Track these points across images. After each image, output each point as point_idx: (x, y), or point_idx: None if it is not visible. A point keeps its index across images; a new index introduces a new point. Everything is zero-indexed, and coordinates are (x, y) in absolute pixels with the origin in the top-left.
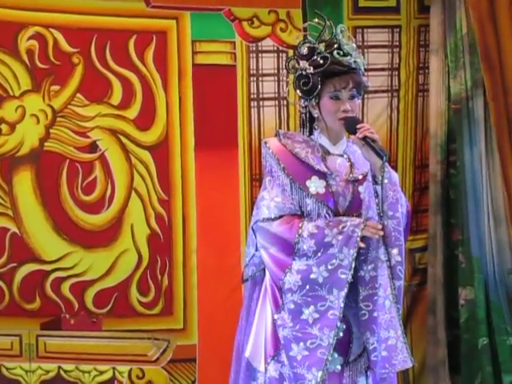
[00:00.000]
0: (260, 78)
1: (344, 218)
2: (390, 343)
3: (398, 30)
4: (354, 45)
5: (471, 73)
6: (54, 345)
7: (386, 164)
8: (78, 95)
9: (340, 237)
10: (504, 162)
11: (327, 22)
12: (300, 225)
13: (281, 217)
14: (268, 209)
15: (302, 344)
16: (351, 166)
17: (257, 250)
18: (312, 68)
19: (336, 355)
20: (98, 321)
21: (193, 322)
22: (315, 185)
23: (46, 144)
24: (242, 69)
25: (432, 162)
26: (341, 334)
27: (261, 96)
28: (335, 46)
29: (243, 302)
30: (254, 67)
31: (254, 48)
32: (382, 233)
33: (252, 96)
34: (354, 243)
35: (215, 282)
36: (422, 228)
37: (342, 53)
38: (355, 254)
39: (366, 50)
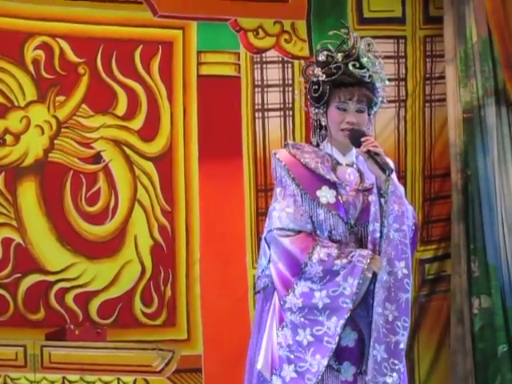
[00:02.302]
0: (265, 89)
1: (355, 250)
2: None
3: (403, 40)
4: (378, 60)
5: (482, 81)
6: (58, 355)
7: (391, 177)
8: (83, 106)
9: (349, 266)
10: None
11: (351, 33)
12: (312, 248)
13: (294, 230)
14: (279, 219)
15: (292, 366)
16: (361, 175)
17: (269, 261)
18: (324, 76)
19: (349, 364)
20: (102, 331)
21: (197, 332)
22: (325, 194)
23: (50, 155)
24: (246, 80)
25: (453, 171)
26: (351, 344)
27: (265, 107)
28: (353, 57)
29: (255, 316)
30: (259, 78)
31: (259, 59)
32: (379, 272)
33: (256, 107)
34: (358, 273)
35: (220, 293)
36: (433, 239)
37: (357, 65)
38: (359, 285)
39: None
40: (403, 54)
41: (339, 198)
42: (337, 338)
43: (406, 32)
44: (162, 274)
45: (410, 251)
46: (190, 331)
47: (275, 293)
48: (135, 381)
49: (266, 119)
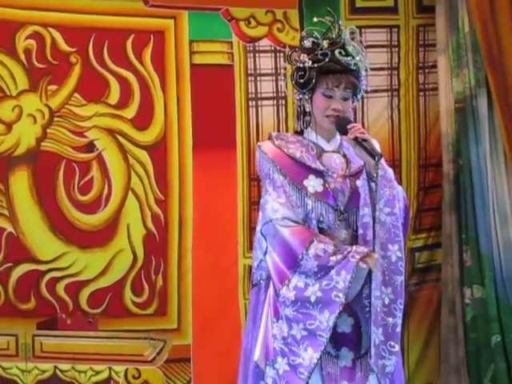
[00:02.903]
0: (258, 78)
1: (351, 247)
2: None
3: (396, 29)
4: (361, 48)
5: (474, 71)
6: (50, 345)
7: (381, 161)
8: (76, 95)
9: (343, 262)
10: None
11: (336, 20)
12: (309, 242)
13: (291, 220)
14: (273, 210)
15: (285, 359)
16: (347, 161)
17: (266, 253)
18: (310, 62)
19: (347, 350)
20: (94, 321)
21: (187, 322)
22: (313, 184)
23: (42, 144)
24: (239, 69)
25: (445, 161)
26: (348, 330)
27: (259, 96)
28: (338, 44)
29: (250, 307)
30: (252, 67)
31: (251, 48)
32: (375, 270)
33: (250, 96)
34: (351, 268)
35: (211, 283)
36: (423, 227)
37: (343, 53)
38: (352, 279)
39: (364, 50)
40: (396, 43)
41: (327, 185)
42: (329, 332)
43: (399, 21)
44: (154, 263)
45: (402, 234)
46: (181, 321)
47: (271, 284)
48: (127, 370)
49: (260, 108)
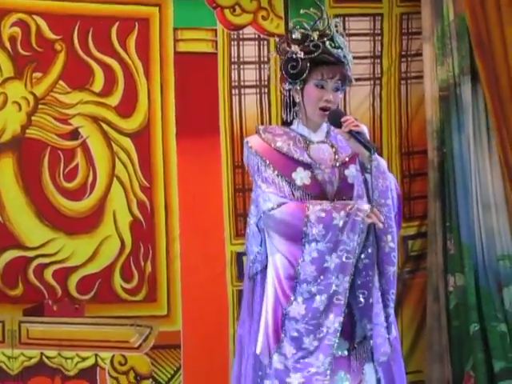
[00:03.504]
0: (241, 66)
1: (351, 203)
2: (382, 332)
3: (379, 18)
4: (345, 40)
5: (458, 59)
6: (36, 331)
7: (374, 152)
8: (60, 82)
9: (347, 219)
10: (502, 143)
11: (324, 12)
12: (307, 209)
13: (283, 203)
14: (264, 201)
15: (311, 336)
16: (335, 151)
17: (260, 245)
18: (303, 53)
19: (342, 340)
20: (80, 307)
21: (177, 308)
22: (301, 176)
23: (27, 131)
24: (223, 56)
25: (429, 149)
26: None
27: (242, 84)
28: (328, 36)
29: (244, 297)
30: (236, 55)
31: (236, 36)
32: (381, 225)
33: (233, 84)
34: (357, 227)
35: (199, 268)
36: (415, 215)
37: (333, 44)
38: (359, 239)
39: (347, 38)
40: (379, 32)
41: (315, 177)
42: (346, 295)
43: (383, 9)
44: (142, 249)
45: (395, 225)
46: (170, 307)
47: (272, 275)
48: (113, 357)
49: (243, 96)
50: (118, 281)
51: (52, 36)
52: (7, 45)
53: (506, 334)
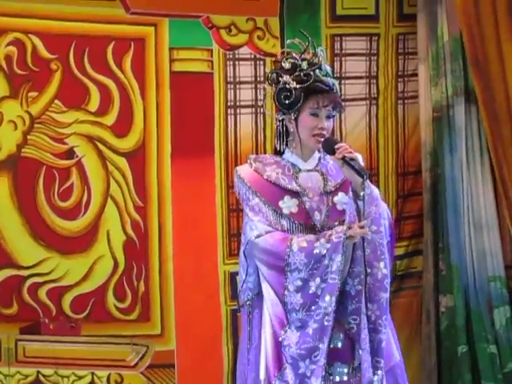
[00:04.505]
0: (237, 86)
1: (330, 230)
2: (367, 357)
3: (376, 38)
4: (330, 69)
5: (452, 81)
6: (33, 349)
7: (367, 180)
8: (56, 101)
9: (328, 245)
10: (498, 162)
11: (309, 41)
12: (290, 240)
13: (268, 232)
14: (251, 230)
15: (307, 361)
16: (324, 179)
17: (247, 275)
18: (295, 83)
19: (339, 364)
20: (76, 326)
21: (170, 327)
22: (287, 205)
23: (23, 150)
24: (219, 76)
25: (423, 170)
26: (339, 344)
27: (238, 104)
28: (317, 65)
29: (242, 331)
30: (231, 75)
31: (231, 56)
32: (367, 230)
33: (229, 103)
34: (340, 248)
35: (192, 288)
36: (404, 235)
37: (323, 72)
38: (342, 259)
39: (343, 58)
40: (375, 52)
41: (302, 205)
42: (333, 315)
43: (379, 29)
44: (135, 269)
45: (388, 252)
46: (164, 326)
47: (263, 302)
48: (109, 375)
49: (238, 116)
50: (111, 300)
51: (48, 55)
52: (3, 64)
53: (496, 355)
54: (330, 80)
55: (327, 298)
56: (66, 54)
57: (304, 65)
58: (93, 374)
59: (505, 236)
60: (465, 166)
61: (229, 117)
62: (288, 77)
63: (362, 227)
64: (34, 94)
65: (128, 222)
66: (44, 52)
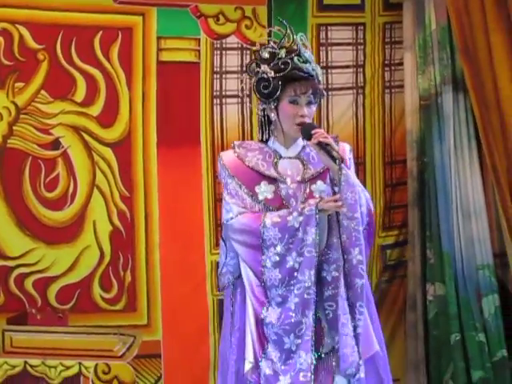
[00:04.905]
0: (223, 76)
1: (303, 203)
2: (349, 341)
3: (362, 27)
4: (312, 54)
5: (440, 69)
6: (20, 340)
7: (343, 166)
8: (42, 92)
9: (301, 218)
10: (489, 149)
11: (288, 29)
12: (263, 216)
13: (241, 212)
14: (226, 212)
15: (292, 335)
16: (304, 167)
17: (226, 257)
18: (273, 72)
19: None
20: (64, 316)
21: (157, 317)
22: (263, 190)
23: (9, 141)
24: (205, 66)
25: (409, 158)
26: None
27: (224, 93)
28: (295, 52)
29: (225, 312)
30: (218, 64)
31: (219, 45)
32: (340, 204)
33: (215, 93)
34: (313, 221)
35: (179, 278)
36: (394, 224)
37: (301, 59)
38: (316, 231)
39: (330, 48)
40: (362, 41)
41: (278, 192)
42: (314, 288)
43: (365, 19)
44: (122, 259)
45: (364, 238)
46: (150, 316)
47: (245, 284)
48: (96, 365)
49: (224, 106)
50: (97, 290)
51: (35, 45)
52: None
53: (485, 344)
54: (309, 66)
55: (306, 271)
56: (53, 44)
57: (282, 53)
58: (80, 364)
59: (492, 224)
60: (453, 153)
61: (215, 106)
62: (266, 66)
63: (335, 201)
64: (20, 84)
65: (114, 212)
66: (31, 42)
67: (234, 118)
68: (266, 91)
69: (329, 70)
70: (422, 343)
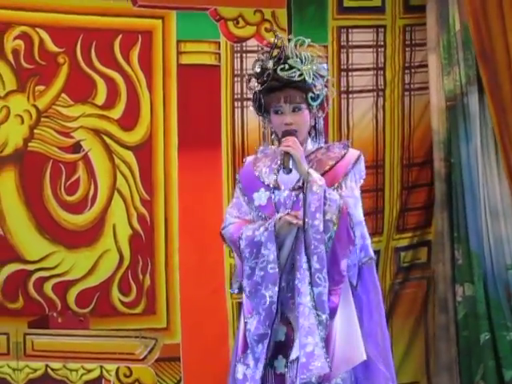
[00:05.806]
0: (244, 79)
1: (271, 219)
2: (308, 350)
3: (382, 29)
4: (310, 55)
5: (465, 69)
6: (41, 343)
7: (310, 172)
8: (63, 95)
9: (266, 233)
10: (505, 151)
11: (278, 40)
12: (244, 228)
13: (232, 223)
14: (225, 219)
15: (260, 345)
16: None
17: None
18: (259, 86)
19: (281, 357)
20: (85, 319)
21: (176, 321)
22: (259, 196)
23: (29, 144)
24: (226, 69)
25: (436, 159)
26: (283, 338)
27: (244, 96)
28: (281, 60)
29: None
30: (238, 67)
31: (239, 48)
32: (300, 221)
33: (236, 96)
34: (272, 237)
35: (198, 282)
36: (408, 227)
37: (286, 67)
38: (275, 247)
39: (350, 50)
40: (382, 43)
41: (271, 199)
42: (278, 304)
43: (386, 21)
44: (141, 262)
45: (323, 246)
46: (170, 320)
47: None
48: (118, 368)
49: (245, 109)
50: (116, 294)
51: (55, 49)
52: (10, 58)
53: None
54: (292, 73)
55: (270, 286)
56: (73, 47)
57: (270, 64)
58: (101, 367)
59: None
60: (480, 154)
61: (236, 109)
62: (255, 80)
63: (295, 216)
64: (40, 87)
65: (134, 215)
66: (51, 45)
67: (255, 120)
68: (256, 105)
69: (349, 73)
70: (454, 345)
